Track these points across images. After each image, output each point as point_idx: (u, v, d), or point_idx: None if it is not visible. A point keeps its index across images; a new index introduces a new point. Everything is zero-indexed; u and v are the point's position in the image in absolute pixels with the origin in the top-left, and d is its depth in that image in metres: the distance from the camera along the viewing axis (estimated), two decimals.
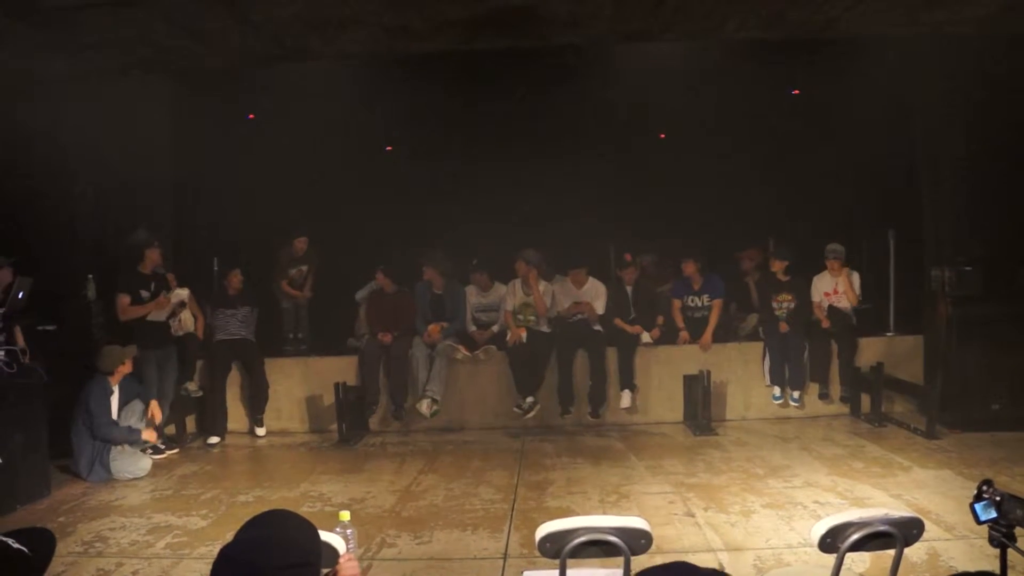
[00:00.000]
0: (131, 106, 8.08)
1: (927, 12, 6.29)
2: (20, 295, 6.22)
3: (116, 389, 6.79)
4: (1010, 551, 2.39)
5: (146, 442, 6.89)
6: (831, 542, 2.61)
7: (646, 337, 8.32)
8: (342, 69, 8.92)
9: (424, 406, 7.91)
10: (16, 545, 1.80)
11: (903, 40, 7.59)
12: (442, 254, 8.52)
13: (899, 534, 2.61)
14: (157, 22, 6.02)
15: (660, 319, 8.50)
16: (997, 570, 2.37)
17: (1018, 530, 2.36)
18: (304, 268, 9.26)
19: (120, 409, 6.83)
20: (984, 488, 2.42)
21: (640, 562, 2.82)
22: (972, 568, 4.15)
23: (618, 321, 8.30)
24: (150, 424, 6.97)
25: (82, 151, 7.84)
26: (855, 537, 2.58)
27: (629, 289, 8.47)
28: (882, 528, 2.59)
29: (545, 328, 8.20)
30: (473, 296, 8.53)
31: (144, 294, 7.44)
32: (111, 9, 5.72)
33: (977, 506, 2.41)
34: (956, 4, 6.12)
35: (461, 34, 6.54)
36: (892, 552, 2.67)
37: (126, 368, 6.86)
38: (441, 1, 5.89)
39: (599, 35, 6.91)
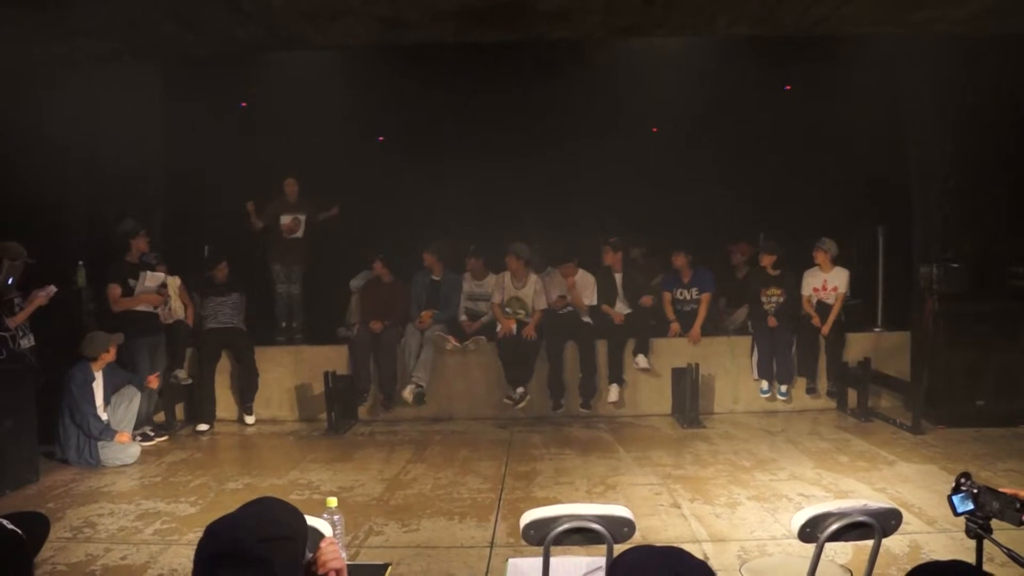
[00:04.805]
0: (123, 92, 8.05)
1: (915, 12, 6.32)
2: (10, 281, 6.22)
3: (99, 376, 6.80)
4: (986, 542, 2.44)
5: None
6: (810, 532, 2.66)
7: (643, 362, 8.19)
8: (335, 58, 8.91)
9: (407, 391, 7.94)
10: (10, 526, 1.81)
11: (893, 39, 7.63)
12: (444, 242, 8.54)
13: (877, 524, 2.65)
14: (149, 9, 6.00)
15: (648, 299, 8.43)
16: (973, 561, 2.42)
17: (995, 522, 2.41)
18: (301, 217, 8.95)
19: (107, 396, 6.85)
20: (962, 481, 2.47)
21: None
22: None
23: (605, 307, 8.32)
24: (152, 398, 7.27)
25: (73, 137, 7.81)
26: (834, 527, 2.63)
27: (618, 277, 8.49)
28: (860, 518, 2.63)
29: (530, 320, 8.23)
30: (466, 284, 8.52)
31: (132, 282, 7.45)
32: None
33: (955, 498, 2.45)
34: (943, 4, 6.15)
35: (454, 26, 6.54)
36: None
37: (109, 356, 6.87)
38: None
39: (591, 29, 6.92)
